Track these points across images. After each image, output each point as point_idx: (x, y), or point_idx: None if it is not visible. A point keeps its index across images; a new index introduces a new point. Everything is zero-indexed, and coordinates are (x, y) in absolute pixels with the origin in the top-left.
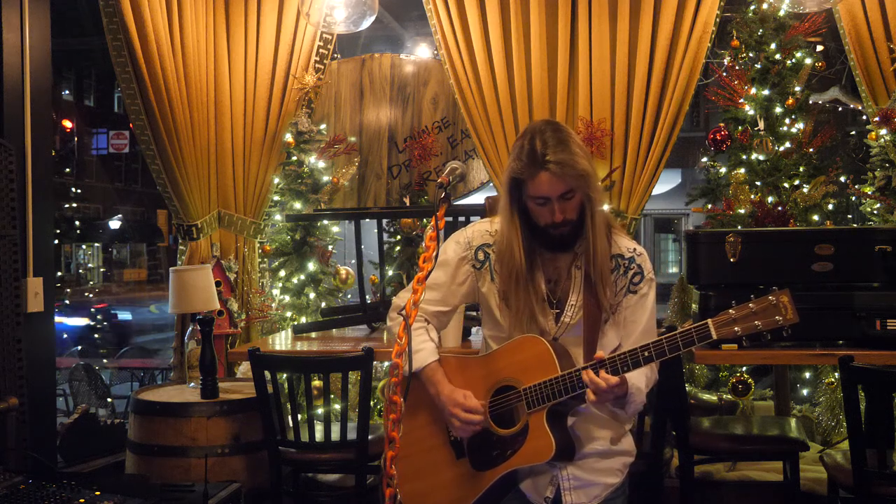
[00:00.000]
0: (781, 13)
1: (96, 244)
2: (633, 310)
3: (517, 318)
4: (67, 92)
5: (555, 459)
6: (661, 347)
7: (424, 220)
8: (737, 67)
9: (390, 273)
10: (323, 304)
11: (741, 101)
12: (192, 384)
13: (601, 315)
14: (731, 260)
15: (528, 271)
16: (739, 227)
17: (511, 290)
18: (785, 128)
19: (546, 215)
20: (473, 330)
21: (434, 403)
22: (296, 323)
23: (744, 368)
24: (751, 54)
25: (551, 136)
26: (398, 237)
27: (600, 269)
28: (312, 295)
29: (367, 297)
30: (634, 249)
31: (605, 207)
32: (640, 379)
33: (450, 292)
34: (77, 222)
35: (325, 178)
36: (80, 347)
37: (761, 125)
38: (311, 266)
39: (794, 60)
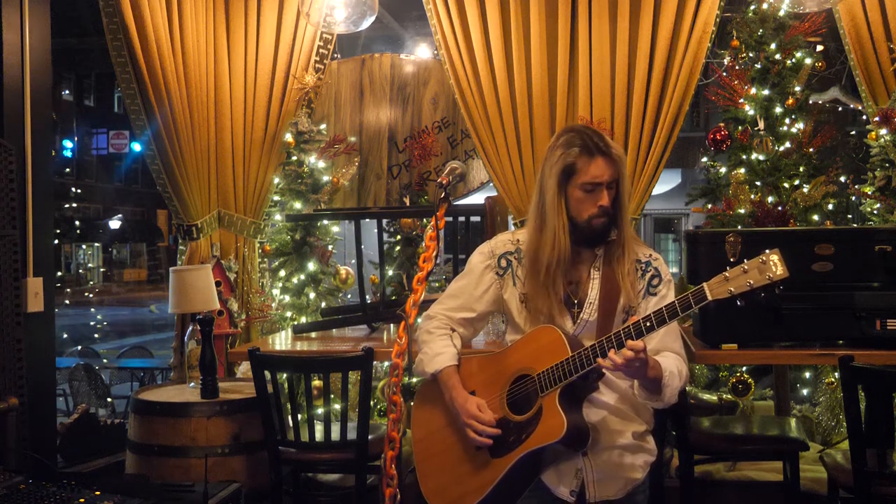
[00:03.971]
0: (781, 13)
1: (96, 244)
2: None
3: (535, 318)
4: (67, 92)
5: (566, 440)
6: (661, 315)
7: (424, 220)
8: (737, 67)
9: (390, 273)
10: (323, 304)
11: (741, 101)
12: (192, 384)
13: (616, 308)
14: (731, 260)
15: (557, 267)
16: (739, 227)
17: (532, 291)
18: (785, 128)
19: (590, 204)
20: None
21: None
22: (296, 323)
23: (744, 368)
24: (751, 54)
25: (594, 132)
26: (398, 237)
27: (626, 263)
28: (312, 295)
29: (367, 297)
30: (651, 255)
31: None
32: (672, 364)
33: (474, 299)
34: (77, 222)
35: (325, 178)
36: (79, 347)
37: (761, 125)
38: (311, 266)
39: (794, 60)
